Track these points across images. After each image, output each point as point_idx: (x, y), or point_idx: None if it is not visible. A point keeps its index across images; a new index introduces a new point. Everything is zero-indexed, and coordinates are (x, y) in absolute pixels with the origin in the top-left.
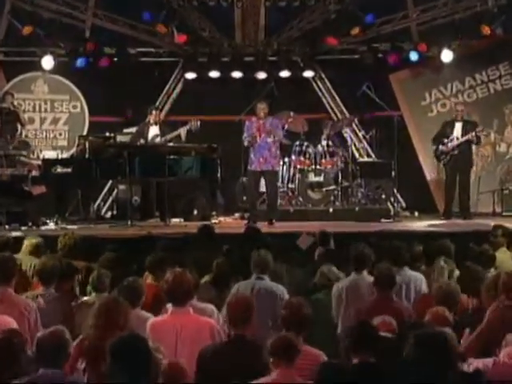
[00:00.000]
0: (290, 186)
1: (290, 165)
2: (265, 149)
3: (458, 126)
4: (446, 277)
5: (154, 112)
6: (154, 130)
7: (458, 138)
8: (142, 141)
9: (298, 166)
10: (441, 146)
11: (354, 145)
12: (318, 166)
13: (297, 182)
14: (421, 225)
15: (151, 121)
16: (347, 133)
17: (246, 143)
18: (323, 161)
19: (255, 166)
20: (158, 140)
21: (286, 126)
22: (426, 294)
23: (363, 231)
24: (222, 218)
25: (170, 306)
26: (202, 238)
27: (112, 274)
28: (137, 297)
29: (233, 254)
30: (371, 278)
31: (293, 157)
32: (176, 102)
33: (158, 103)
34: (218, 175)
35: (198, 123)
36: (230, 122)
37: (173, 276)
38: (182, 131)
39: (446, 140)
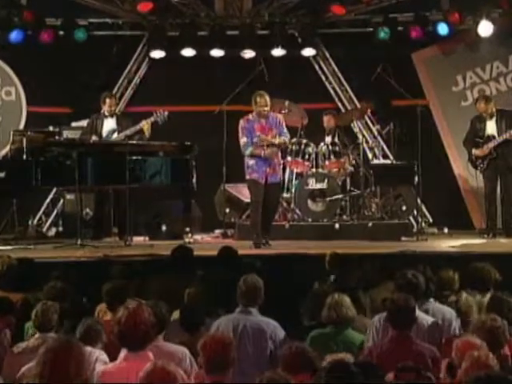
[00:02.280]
0: (284, 195)
1: (284, 168)
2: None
3: (491, 122)
4: (474, 311)
5: (108, 100)
6: (109, 124)
7: (494, 137)
8: (95, 137)
9: (296, 170)
10: (474, 150)
11: (367, 142)
12: (320, 170)
13: (294, 189)
14: (452, 244)
15: (106, 112)
16: (358, 127)
17: (247, 151)
18: (327, 163)
19: (259, 176)
20: (115, 136)
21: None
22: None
23: (378, 253)
24: (198, 236)
25: (124, 350)
26: (177, 263)
27: (60, 307)
28: (96, 340)
29: (211, 281)
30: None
31: (288, 158)
32: (139, 87)
33: (115, 89)
34: (194, 181)
35: (166, 114)
36: (209, 114)
37: (126, 313)
38: (146, 125)
39: (480, 141)
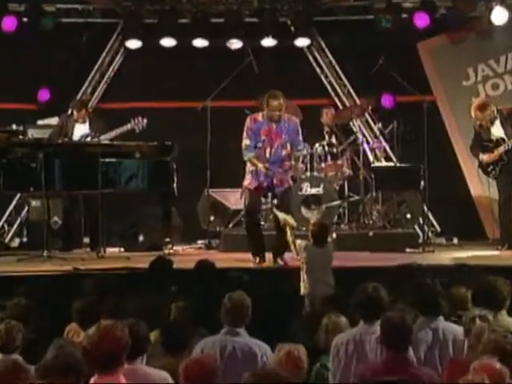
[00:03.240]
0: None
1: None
2: (276, 165)
3: (495, 126)
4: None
5: (76, 113)
6: (81, 129)
7: (504, 140)
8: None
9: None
10: (481, 155)
11: (368, 143)
12: (315, 173)
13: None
14: (462, 257)
15: (76, 118)
16: (357, 126)
17: (246, 157)
18: (323, 165)
19: (258, 185)
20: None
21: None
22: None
23: (380, 266)
24: (179, 248)
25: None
26: (155, 277)
27: (24, 327)
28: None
29: (189, 297)
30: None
31: None
32: (113, 81)
33: (86, 83)
34: (174, 186)
35: (145, 122)
36: (191, 111)
37: (97, 331)
38: (120, 132)
39: (490, 145)
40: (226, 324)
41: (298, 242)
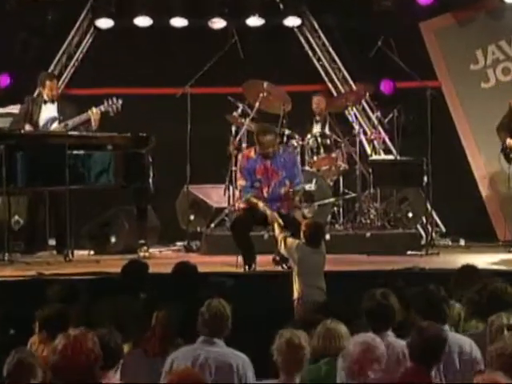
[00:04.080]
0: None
1: None
2: (276, 200)
3: None
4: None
5: (48, 83)
6: (49, 111)
7: None
8: (30, 127)
9: None
10: (509, 140)
11: (365, 134)
12: (307, 168)
13: None
14: (470, 260)
15: (45, 96)
16: (353, 115)
17: (244, 198)
18: (315, 159)
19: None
20: (55, 126)
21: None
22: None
23: (378, 270)
24: (155, 250)
25: None
26: (128, 282)
27: None
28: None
29: (169, 305)
30: (400, 342)
31: None
32: (82, 65)
33: (51, 66)
34: (150, 181)
35: (120, 103)
36: (169, 98)
37: (64, 341)
38: (94, 114)
39: None
40: (202, 334)
41: (290, 240)
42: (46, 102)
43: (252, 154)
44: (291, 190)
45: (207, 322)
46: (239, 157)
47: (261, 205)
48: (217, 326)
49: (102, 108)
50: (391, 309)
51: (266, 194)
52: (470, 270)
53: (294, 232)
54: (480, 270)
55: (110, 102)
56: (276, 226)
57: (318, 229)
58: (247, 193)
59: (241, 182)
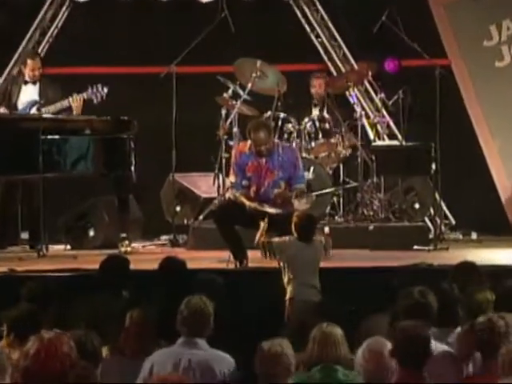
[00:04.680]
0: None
1: None
2: (267, 201)
3: None
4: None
5: (30, 62)
6: (29, 93)
7: None
8: (4, 110)
9: None
10: None
11: (367, 117)
12: (304, 155)
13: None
14: (483, 255)
15: (26, 76)
16: (355, 96)
17: (232, 195)
18: (313, 145)
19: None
20: (34, 111)
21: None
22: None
23: (382, 267)
24: (138, 245)
25: None
26: (108, 280)
27: None
28: None
29: (154, 304)
30: (438, 346)
31: None
32: (56, 41)
33: (23, 43)
34: (132, 169)
35: (105, 91)
36: (153, 78)
37: (37, 345)
38: (76, 101)
39: None
40: (182, 334)
41: (278, 239)
42: (26, 83)
43: (246, 148)
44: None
45: (187, 320)
46: (233, 151)
47: (248, 204)
48: (197, 324)
49: (85, 95)
50: (430, 307)
51: (252, 194)
52: (468, 267)
53: (285, 233)
54: (480, 267)
55: (95, 89)
56: (262, 223)
57: (310, 221)
58: (237, 190)
59: (231, 178)
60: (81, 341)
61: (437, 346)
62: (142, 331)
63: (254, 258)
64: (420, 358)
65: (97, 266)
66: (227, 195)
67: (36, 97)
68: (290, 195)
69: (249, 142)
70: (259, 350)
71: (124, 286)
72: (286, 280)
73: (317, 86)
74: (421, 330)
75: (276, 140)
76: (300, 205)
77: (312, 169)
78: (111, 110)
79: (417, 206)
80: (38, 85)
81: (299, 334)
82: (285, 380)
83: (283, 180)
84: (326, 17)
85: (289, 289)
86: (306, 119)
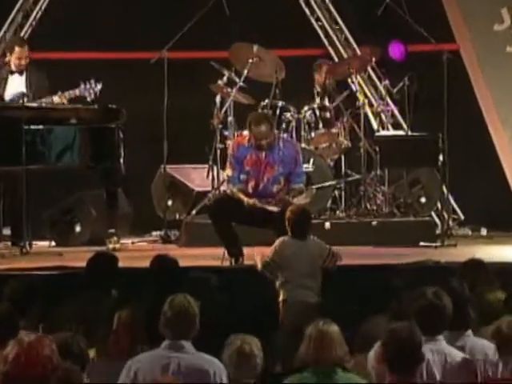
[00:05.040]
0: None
1: None
2: (264, 199)
3: None
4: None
5: (17, 49)
6: (16, 84)
7: None
8: None
9: None
10: None
11: (371, 105)
12: (303, 145)
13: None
14: (493, 252)
15: (12, 65)
16: (357, 84)
17: (229, 190)
18: (313, 135)
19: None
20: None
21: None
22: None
23: (386, 264)
24: (127, 241)
25: None
26: (95, 278)
27: None
28: None
29: (144, 304)
30: (452, 351)
31: None
32: (41, 24)
33: (6, 27)
34: (121, 161)
35: (99, 87)
36: (143, 64)
37: (17, 348)
38: (64, 98)
39: None
40: (166, 337)
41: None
42: (12, 73)
43: (245, 140)
44: (286, 188)
45: (171, 322)
46: (231, 142)
47: (245, 200)
48: (182, 326)
49: (78, 92)
50: (444, 310)
51: (250, 190)
52: (476, 264)
53: (284, 232)
54: (489, 265)
55: (88, 86)
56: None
57: (304, 216)
58: (234, 184)
59: (228, 172)
60: (66, 343)
61: (450, 352)
62: (131, 332)
63: (250, 256)
64: (410, 362)
65: (83, 264)
66: (222, 189)
67: (23, 88)
68: (289, 200)
69: (245, 132)
70: (227, 345)
71: (112, 285)
72: (278, 283)
73: (319, 73)
74: (411, 332)
75: (277, 133)
76: (299, 199)
77: (312, 160)
78: (99, 98)
79: (423, 199)
80: (24, 75)
81: (293, 337)
82: (252, 377)
83: (283, 175)
84: None
85: (281, 291)
86: (306, 108)
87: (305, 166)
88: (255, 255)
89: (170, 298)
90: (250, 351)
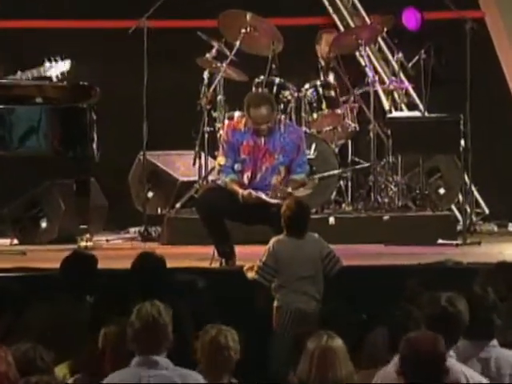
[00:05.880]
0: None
1: None
2: (262, 190)
3: None
4: None
5: None
6: None
7: None
8: None
9: None
10: None
11: (382, 82)
12: (304, 128)
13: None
14: None
15: None
16: (367, 57)
17: (221, 181)
18: (315, 116)
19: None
20: None
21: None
22: None
23: (399, 265)
24: (101, 238)
25: None
26: (68, 281)
27: None
28: None
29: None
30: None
31: None
32: None
33: None
34: (94, 146)
35: (67, 65)
36: (120, 34)
37: None
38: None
39: None
40: (136, 352)
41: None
42: None
43: (241, 124)
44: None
45: (139, 335)
46: (224, 126)
47: (240, 192)
48: (152, 339)
49: (42, 71)
50: (459, 318)
51: (246, 180)
52: (506, 267)
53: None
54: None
55: (53, 63)
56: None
57: (302, 211)
58: (227, 174)
59: (220, 160)
60: (28, 356)
61: (465, 373)
62: (119, 351)
63: (242, 256)
64: (431, 377)
65: (51, 265)
66: (211, 178)
67: None
68: (288, 191)
69: (236, 114)
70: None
71: (89, 290)
72: (273, 287)
73: (325, 44)
74: (432, 341)
75: (278, 116)
76: (299, 191)
77: (314, 146)
78: (68, 74)
79: (442, 191)
80: None
81: (290, 347)
82: (226, 369)
83: (283, 165)
84: None
85: (277, 296)
86: (307, 85)
87: (307, 152)
88: (244, 269)
89: (136, 308)
90: (225, 342)
